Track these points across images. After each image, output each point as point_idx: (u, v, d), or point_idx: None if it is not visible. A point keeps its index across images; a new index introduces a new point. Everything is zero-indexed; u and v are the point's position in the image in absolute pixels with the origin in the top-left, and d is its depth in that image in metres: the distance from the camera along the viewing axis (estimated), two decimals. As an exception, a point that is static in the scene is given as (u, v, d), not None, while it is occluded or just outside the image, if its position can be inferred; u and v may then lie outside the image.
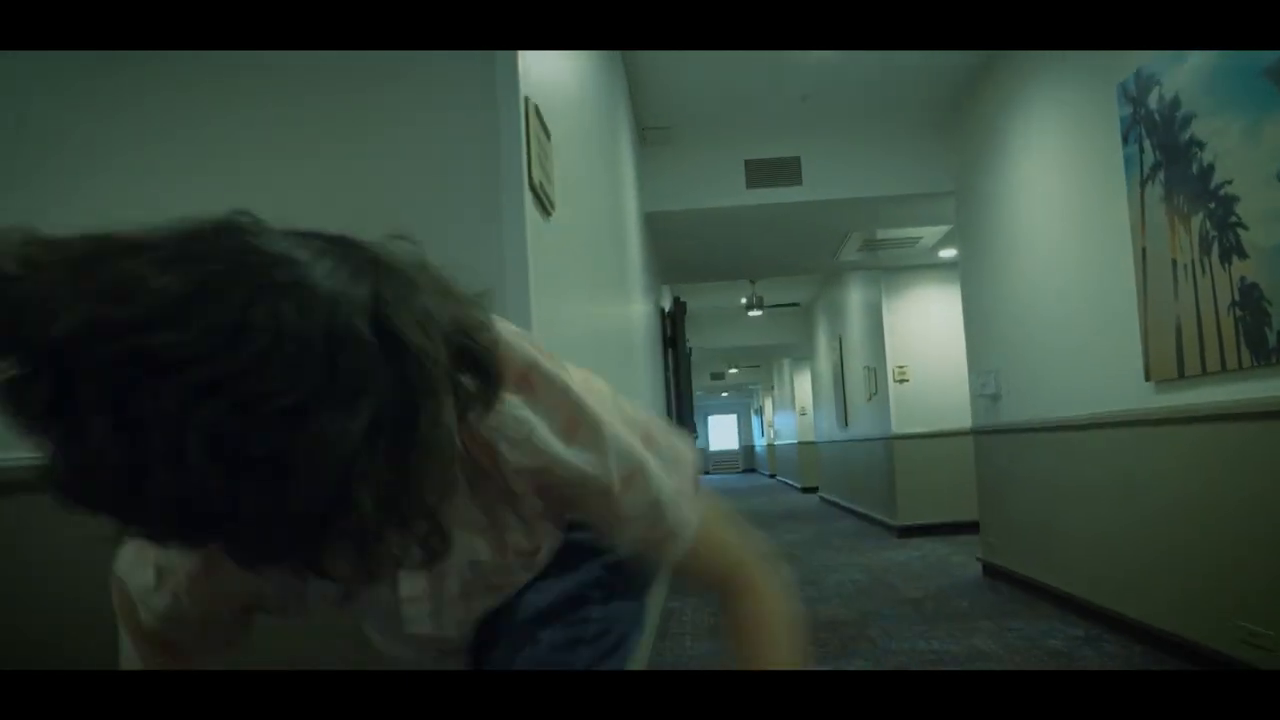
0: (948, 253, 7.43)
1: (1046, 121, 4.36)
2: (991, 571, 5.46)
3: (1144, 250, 3.43)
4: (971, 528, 6.36)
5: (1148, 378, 3.46)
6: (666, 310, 7.48)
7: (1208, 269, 3.03)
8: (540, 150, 1.68)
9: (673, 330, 7.30)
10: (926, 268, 8.16)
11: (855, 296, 9.45)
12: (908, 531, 7.91)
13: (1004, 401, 5.19)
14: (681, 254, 7.25)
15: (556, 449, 0.81)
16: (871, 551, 7.23)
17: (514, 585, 0.92)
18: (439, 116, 1.56)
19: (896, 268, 8.20)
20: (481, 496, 0.84)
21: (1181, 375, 3.22)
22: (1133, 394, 3.59)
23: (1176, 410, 3.29)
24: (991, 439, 5.41)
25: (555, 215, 1.84)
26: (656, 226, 6.07)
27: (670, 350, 7.17)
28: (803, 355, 14.98)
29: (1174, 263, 3.23)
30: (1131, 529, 3.70)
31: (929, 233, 7.03)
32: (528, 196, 1.58)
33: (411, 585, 0.88)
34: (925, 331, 8.16)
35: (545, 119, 1.76)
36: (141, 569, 0.92)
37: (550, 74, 1.94)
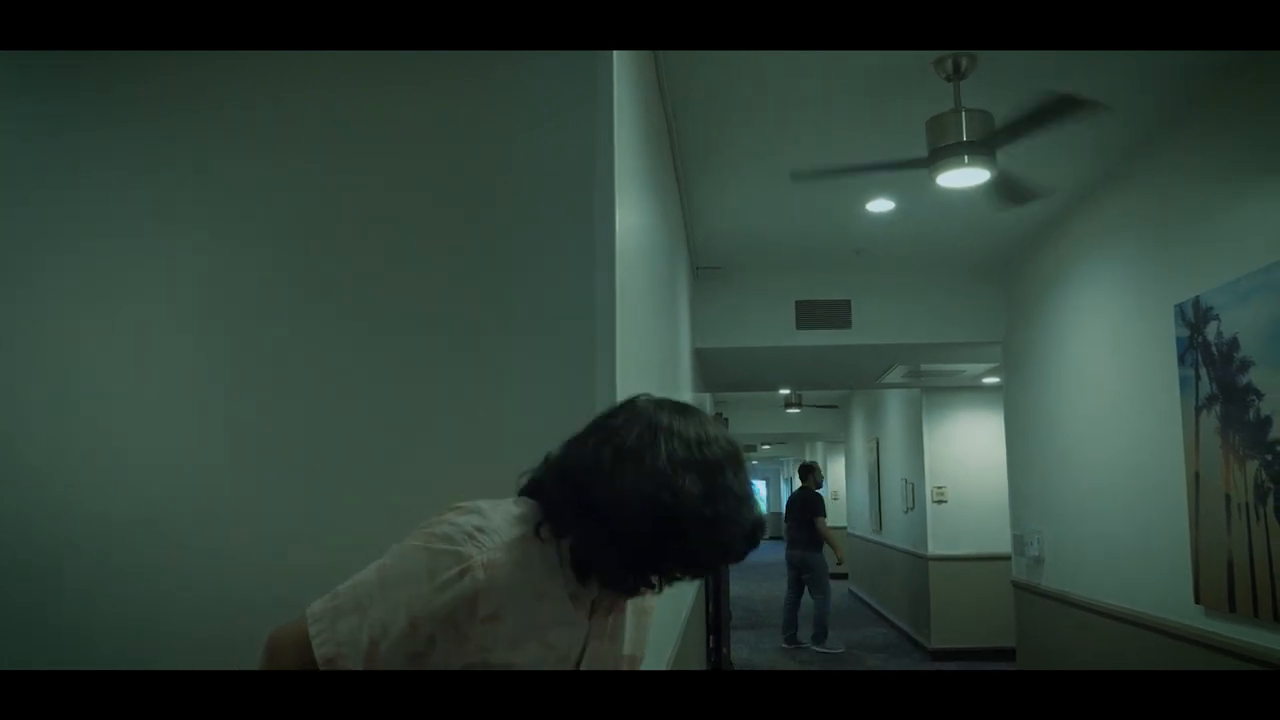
0: (991, 379, 7.45)
1: (1099, 296, 4.41)
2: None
3: (1197, 474, 3.46)
4: (1007, 654, 6.36)
5: (1198, 600, 3.47)
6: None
7: (1263, 517, 3.06)
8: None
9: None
10: (969, 389, 8.16)
11: (895, 404, 9.46)
12: (942, 655, 7.85)
13: (1046, 565, 5.19)
14: (726, 374, 7.34)
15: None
16: (904, 680, 7.17)
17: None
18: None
19: (939, 388, 8.22)
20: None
21: (1233, 610, 3.24)
22: (1181, 609, 3.60)
23: (1232, 644, 3.29)
24: (1032, 598, 5.40)
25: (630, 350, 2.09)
26: (705, 359, 6.16)
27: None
28: (837, 440, 14.93)
29: (1228, 498, 3.26)
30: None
31: (973, 366, 7.07)
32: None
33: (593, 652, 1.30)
34: (965, 455, 8.14)
35: (624, 262, 1.99)
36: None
37: (629, 217, 2.12)
